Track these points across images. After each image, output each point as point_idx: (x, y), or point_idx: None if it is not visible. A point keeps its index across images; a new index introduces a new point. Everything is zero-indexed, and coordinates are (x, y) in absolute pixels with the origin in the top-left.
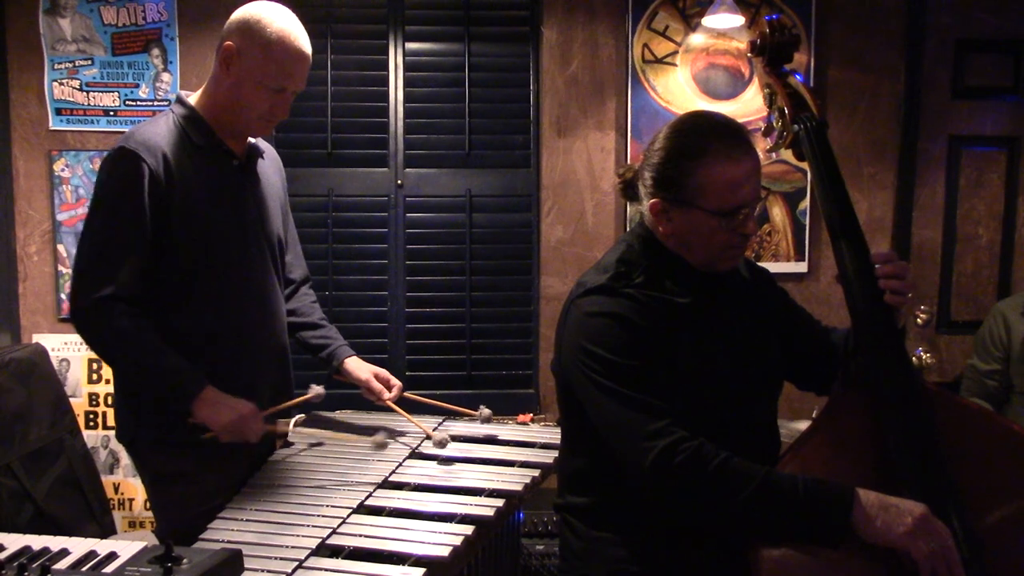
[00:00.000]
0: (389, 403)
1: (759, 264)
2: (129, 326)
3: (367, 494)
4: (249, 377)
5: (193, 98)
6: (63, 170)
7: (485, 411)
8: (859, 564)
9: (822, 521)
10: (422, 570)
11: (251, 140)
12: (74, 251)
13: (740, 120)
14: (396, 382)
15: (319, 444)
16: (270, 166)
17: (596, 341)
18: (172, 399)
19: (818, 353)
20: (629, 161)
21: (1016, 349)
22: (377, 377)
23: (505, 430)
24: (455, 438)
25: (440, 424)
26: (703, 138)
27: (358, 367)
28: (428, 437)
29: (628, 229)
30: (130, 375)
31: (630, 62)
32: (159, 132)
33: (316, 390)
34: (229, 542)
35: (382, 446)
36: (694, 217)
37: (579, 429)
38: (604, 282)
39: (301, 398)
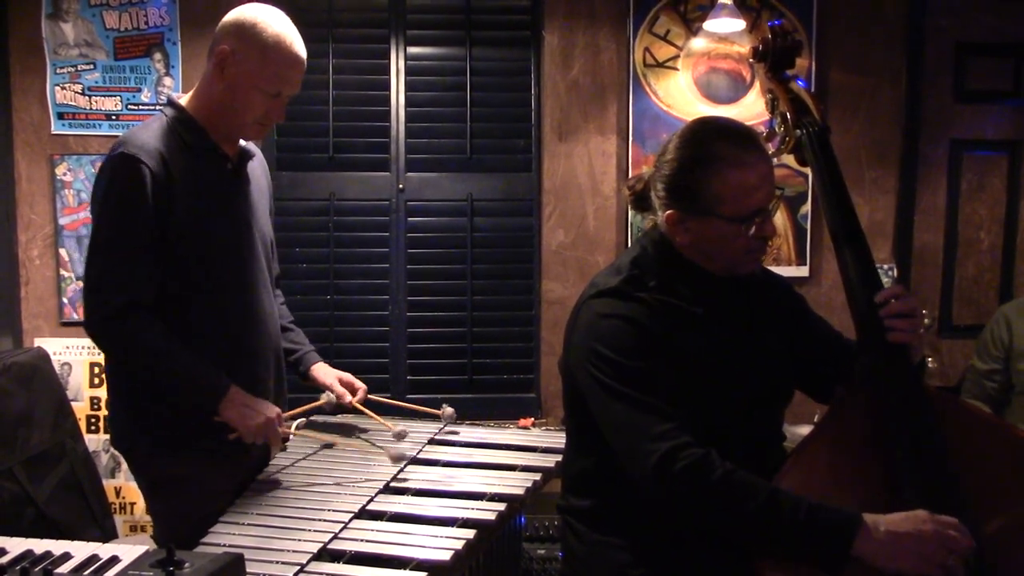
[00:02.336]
0: (355, 404)
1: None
2: (152, 332)
3: (368, 499)
4: (247, 378)
5: (185, 100)
6: (65, 174)
7: (448, 409)
8: None
9: (823, 548)
10: (424, 574)
11: (242, 142)
12: (76, 255)
13: None
14: (360, 385)
15: (329, 446)
16: (259, 168)
17: (606, 343)
18: (198, 402)
19: (833, 366)
20: (631, 165)
21: (1017, 350)
22: (341, 381)
23: (506, 434)
24: (448, 443)
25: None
26: (714, 145)
27: (324, 373)
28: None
29: (629, 233)
30: (155, 380)
31: (631, 66)
32: (155, 136)
33: (329, 396)
34: (231, 546)
35: (402, 436)
36: (712, 225)
37: (585, 430)
38: (617, 285)
39: (316, 403)
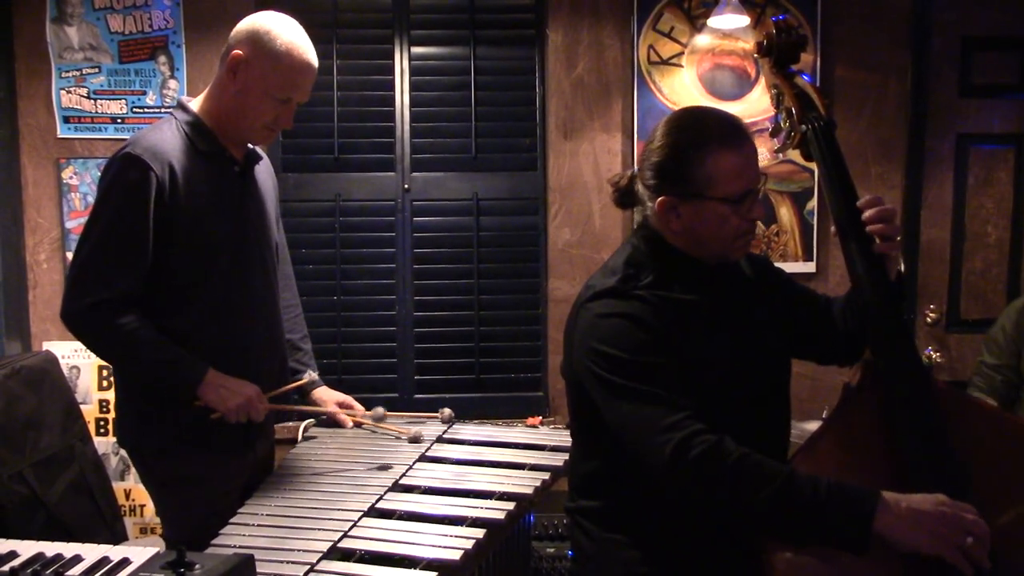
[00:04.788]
0: (359, 420)
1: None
2: (125, 324)
3: (378, 497)
4: (250, 379)
5: (195, 104)
6: (71, 178)
7: (446, 411)
8: (875, 566)
9: (843, 526)
10: (433, 573)
11: (249, 145)
12: None
13: (747, 121)
14: (359, 407)
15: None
16: (265, 171)
17: (608, 342)
18: (177, 388)
19: (825, 328)
20: (636, 162)
21: None
22: (341, 406)
23: (514, 433)
24: (460, 441)
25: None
26: (704, 129)
27: (325, 398)
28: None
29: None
30: (131, 372)
31: (636, 64)
32: (164, 138)
33: (312, 376)
34: (241, 547)
35: (380, 419)
36: (705, 208)
37: (590, 432)
38: (613, 284)
39: (299, 382)
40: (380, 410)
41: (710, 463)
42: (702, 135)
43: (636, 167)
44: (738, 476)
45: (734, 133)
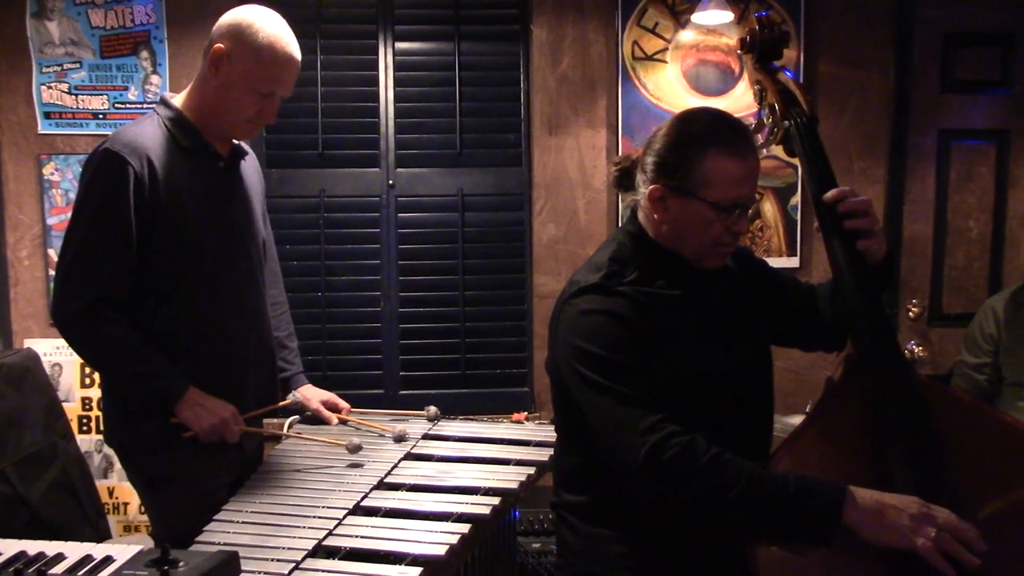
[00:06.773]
0: (343, 418)
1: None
2: (115, 332)
3: (363, 495)
4: (237, 377)
5: (178, 99)
6: (53, 174)
7: (432, 409)
8: (859, 559)
9: (812, 521)
10: (419, 569)
11: (234, 141)
12: None
13: None
14: (344, 405)
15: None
16: (251, 167)
17: (589, 338)
18: (155, 401)
19: (810, 315)
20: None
21: (1005, 340)
22: (326, 404)
23: (500, 428)
24: (445, 438)
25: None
26: (713, 130)
27: (310, 396)
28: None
29: (620, 226)
30: (114, 379)
31: (620, 59)
32: (145, 134)
33: (294, 396)
34: (226, 544)
35: (356, 449)
36: (692, 207)
37: (574, 427)
38: (597, 280)
39: (280, 404)
40: (354, 440)
41: (682, 464)
42: (709, 135)
43: (642, 152)
44: (709, 475)
45: (742, 143)
